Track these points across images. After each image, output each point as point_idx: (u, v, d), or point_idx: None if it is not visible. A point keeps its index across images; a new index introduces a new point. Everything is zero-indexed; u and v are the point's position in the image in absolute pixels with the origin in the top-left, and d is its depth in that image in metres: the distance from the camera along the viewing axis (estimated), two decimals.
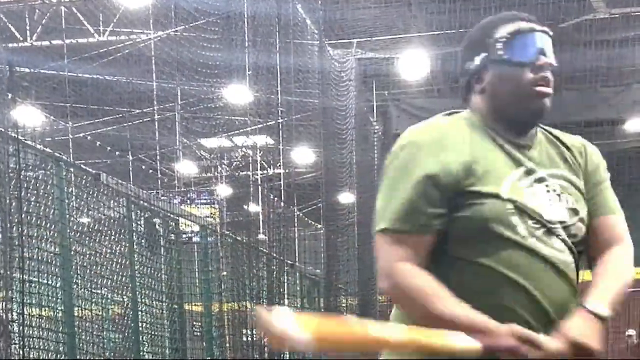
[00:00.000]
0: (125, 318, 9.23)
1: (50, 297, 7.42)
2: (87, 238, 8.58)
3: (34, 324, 7.29)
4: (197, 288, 10.91)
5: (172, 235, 10.48)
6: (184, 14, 15.22)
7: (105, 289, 9.14)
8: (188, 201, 15.76)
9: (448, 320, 2.41)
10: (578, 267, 2.64)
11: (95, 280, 8.66)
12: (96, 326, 8.83)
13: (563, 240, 2.57)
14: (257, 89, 15.61)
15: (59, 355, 7.45)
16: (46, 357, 7.30)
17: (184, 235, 11.46)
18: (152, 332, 9.70)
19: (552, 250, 2.55)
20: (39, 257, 7.29)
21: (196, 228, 11.70)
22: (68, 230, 7.62)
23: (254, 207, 16.47)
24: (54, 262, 7.41)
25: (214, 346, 10.78)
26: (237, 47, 15.01)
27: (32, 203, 7.24)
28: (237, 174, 19.42)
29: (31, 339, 7.12)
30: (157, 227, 10.25)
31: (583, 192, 2.68)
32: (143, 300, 9.50)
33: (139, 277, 9.34)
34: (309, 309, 13.86)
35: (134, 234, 9.36)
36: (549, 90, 2.60)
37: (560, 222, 2.58)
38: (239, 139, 18.78)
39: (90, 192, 8.51)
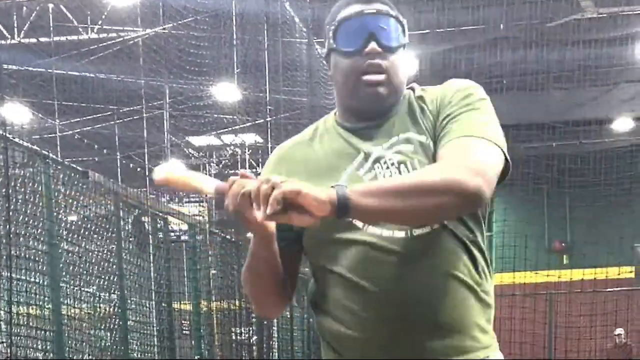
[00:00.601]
0: (114, 316, 9.18)
1: (38, 296, 7.38)
2: (76, 236, 8.53)
3: (21, 323, 7.26)
4: (185, 287, 10.88)
5: (161, 233, 10.44)
6: (172, 11, 15.22)
7: (94, 287, 9.11)
8: (177, 199, 15.74)
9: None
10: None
11: (83, 278, 8.63)
12: (85, 324, 8.80)
13: None
14: (246, 87, 15.61)
15: (47, 354, 7.41)
16: (34, 356, 7.28)
17: (172, 234, 11.43)
18: (141, 331, 9.65)
19: (387, 233, 2.38)
20: (27, 255, 7.25)
21: (185, 227, 11.67)
22: (56, 228, 7.58)
23: None
24: (42, 260, 7.37)
25: (202, 345, 10.74)
26: (226, 45, 15.01)
27: (20, 201, 7.21)
28: (225, 172, 19.37)
29: (19, 338, 7.09)
30: (145, 225, 10.22)
31: (430, 148, 2.45)
32: (132, 298, 9.47)
33: (128, 275, 9.30)
34: (298, 308, 13.84)
35: (123, 232, 9.31)
36: (379, 77, 2.47)
37: None
38: (228, 137, 18.74)
39: (79, 190, 8.47)
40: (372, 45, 2.46)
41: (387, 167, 2.45)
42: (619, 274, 16.67)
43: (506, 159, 2.40)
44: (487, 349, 2.48)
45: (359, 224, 2.40)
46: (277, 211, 2.07)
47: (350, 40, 2.49)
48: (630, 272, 19.03)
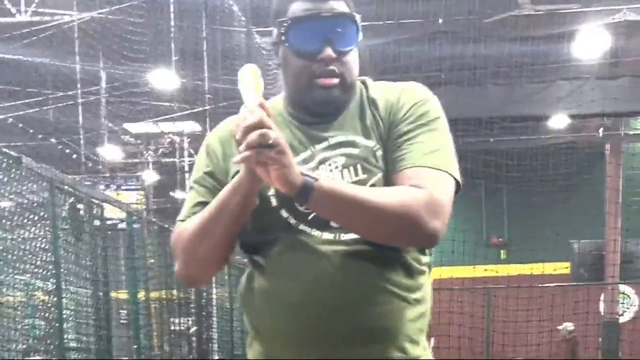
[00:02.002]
0: (49, 305, 8.99)
1: None
2: (9, 223, 8.31)
3: None
4: (123, 275, 10.72)
5: (97, 221, 10.26)
6: None
7: (28, 275, 8.93)
8: (113, 187, 15.51)
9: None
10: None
11: (17, 266, 8.43)
12: (19, 313, 8.62)
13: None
14: (184, 74, 15.44)
15: None
16: None
17: (109, 222, 11.26)
18: (77, 320, 9.48)
19: (316, 233, 2.35)
20: None
21: (122, 214, 11.48)
22: None
23: (181, 194, 16.27)
24: None
25: (140, 334, 10.60)
26: (163, 31, 14.83)
27: None
28: (163, 160, 19.20)
29: None
30: (81, 212, 10.02)
31: (376, 155, 2.41)
32: (67, 287, 9.29)
33: (64, 263, 9.11)
34: (237, 298, 13.77)
35: (58, 219, 9.11)
36: (333, 81, 2.41)
37: None
38: (166, 125, 18.55)
39: (12, 176, 8.26)
40: (328, 51, 2.40)
41: (331, 170, 2.40)
42: (555, 270, 16.92)
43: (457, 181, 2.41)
44: None
45: (292, 221, 2.37)
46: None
47: (304, 42, 2.42)
48: (566, 268, 19.34)
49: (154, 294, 11.41)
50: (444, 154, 2.39)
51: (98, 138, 17.50)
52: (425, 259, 2.46)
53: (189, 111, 15.87)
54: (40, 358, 8.59)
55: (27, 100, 16.72)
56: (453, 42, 17.28)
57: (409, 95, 2.46)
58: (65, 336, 9.02)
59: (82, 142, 16.22)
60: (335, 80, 2.41)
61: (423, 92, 2.49)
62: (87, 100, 16.12)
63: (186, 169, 16.48)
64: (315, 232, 2.35)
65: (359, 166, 2.39)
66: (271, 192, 2.39)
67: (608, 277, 18.76)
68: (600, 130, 20.02)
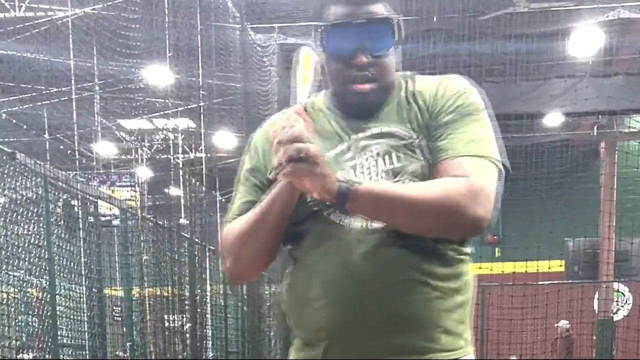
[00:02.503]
0: (43, 301, 8.98)
1: None
2: (2, 219, 8.31)
3: None
4: (117, 272, 10.71)
5: (91, 217, 10.24)
6: None
7: (22, 271, 8.93)
8: (108, 183, 15.48)
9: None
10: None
11: (11, 262, 8.42)
12: (12, 309, 8.62)
13: None
14: (178, 70, 15.41)
15: None
16: None
17: (103, 218, 11.25)
18: (71, 317, 9.48)
19: (346, 221, 2.40)
20: None
21: (116, 211, 11.47)
22: None
23: (175, 191, 16.24)
24: None
25: (134, 331, 10.60)
26: (157, 27, 14.80)
27: None
28: (157, 157, 19.18)
29: None
30: (75, 209, 10.01)
31: (416, 145, 2.46)
32: (61, 283, 9.29)
33: (57, 260, 9.10)
34: (232, 296, 13.76)
35: (52, 215, 9.11)
36: (367, 86, 2.47)
37: None
38: (160, 122, 18.53)
39: (5, 172, 8.25)
40: (361, 57, 2.45)
41: (371, 157, 2.46)
42: (549, 268, 16.87)
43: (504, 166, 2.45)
44: (450, 352, 2.41)
45: (325, 213, 2.42)
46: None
47: (338, 47, 2.47)
48: (561, 266, 19.30)
49: (148, 291, 11.39)
50: (486, 142, 2.43)
51: (92, 134, 17.47)
52: (465, 249, 2.49)
53: (183, 107, 15.84)
54: (33, 355, 8.56)
55: (21, 96, 16.69)
56: (447, 39, 17.26)
57: (450, 86, 2.51)
58: (59, 333, 9.02)
59: (76, 138, 16.17)
60: (369, 86, 2.47)
61: (464, 83, 2.55)
62: (81, 97, 16.08)
63: (180, 165, 16.44)
64: (345, 221, 2.38)
65: (396, 154, 2.43)
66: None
67: (602, 275, 18.76)
68: (595, 128, 20.04)
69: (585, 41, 17.27)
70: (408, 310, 2.34)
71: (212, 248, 12.80)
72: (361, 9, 2.47)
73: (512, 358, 17.30)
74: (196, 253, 11.81)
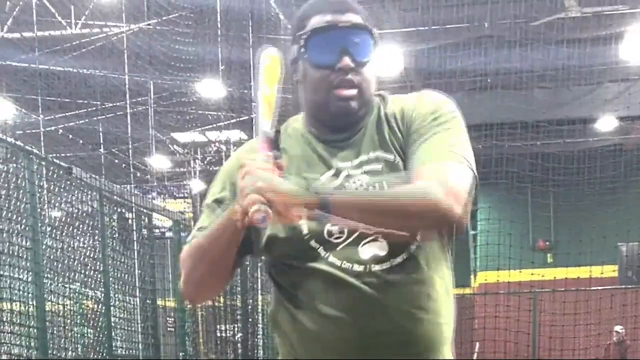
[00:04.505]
0: (98, 313, 9.16)
1: (22, 292, 7.33)
2: (59, 232, 8.49)
3: (5, 319, 7.23)
4: (170, 283, 10.84)
5: (145, 230, 10.40)
6: (156, 7, 15.16)
7: (78, 284, 9.08)
8: (161, 196, 15.67)
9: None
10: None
11: (67, 274, 8.59)
12: (68, 321, 8.77)
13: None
14: (230, 83, 15.57)
15: (30, 351, 7.37)
16: (17, 352, 7.24)
17: (157, 230, 11.39)
18: (125, 328, 9.63)
19: (346, 265, 2.40)
20: (11, 251, 7.21)
21: (169, 223, 11.61)
22: (39, 224, 7.53)
23: None
24: (25, 256, 7.32)
25: (187, 342, 10.72)
26: (210, 41, 14.97)
27: (3, 197, 7.18)
28: (210, 169, 19.34)
29: (2, 334, 7.06)
30: (130, 221, 10.18)
31: (398, 167, 2.46)
32: (116, 295, 9.45)
33: (112, 272, 9.27)
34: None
35: (107, 228, 9.28)
36: (351, 92, 2.45)
37: None
38: (212, 134, 18.72)
39: (62, 186, 8.43)
40: (346, 60, 2.44)
41: (360, 186, 2.44)
42: (602, 273, 16.72)
43: (476, 177, 2.44)
44: None
45: (322, 252, 2.41)
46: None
47: (323, 54, 2.45)
48: (614, 271, 19.14)
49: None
50: (461, 148, 2.42)
51: (146, 148, 17.65)
52: (449, 277, 2.54)
53: (236, 120, 15.99)
54: None
55: (77, 112, 16.96)
56: (499, 46, 17.21)
57: (423, 102, 2.50)
58: (114, 344, 9.16)
59: (130, 152, 16.41)
60: (353, 92, 2.45)
61: (436, 97, 2.52)
62: (136, 111, 16.33)
63: None
64: (346, 265, 2.39)
65: (384, 183, 2.41)
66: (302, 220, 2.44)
67: None
68: None
69: (638, 44, 17.08)
70: (411, 347, 2.41)
71: (263, 258, 12.84)
72: (343, 16, 2.46)
73: None
74: (248, 263, 11.92)
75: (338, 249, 2.41)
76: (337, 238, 2.42)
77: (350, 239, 2.41)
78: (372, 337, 2.38)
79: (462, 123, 2.49)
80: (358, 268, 2.39)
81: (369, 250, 2.41)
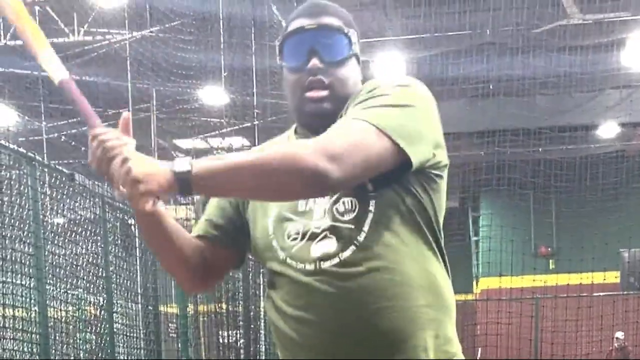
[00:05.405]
0: (101, 319, 9.18)
1: (24, 298, 7.35)
2: (62, 238, 8.51)
3: (7, 325, 7.25)
4: (172, 289, 10.85)
5: None
6: (159, 14, 15.18)
7: (80, 290, 9.11)
8: (171, 203, 15.67)
9: None
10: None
11: (69, 280, 8.62)
12: (71, 327, 8.79)
13: (327, 232, 2.40)
14: (233, 90, 15.58)
15: (33, 357, 7.39)
16: (20, 358, 7.25)
17: None
18: (127, 333, 9.65)
19: (300, 265, 2.41)
20: (13, 258, 7.23)
21: None
22: (42, 231, 7.55)
23: None
24: (28, 262, 7.34)
25: (189, 348, 10.72)
26: (213, 48, 14.99)
27: (6, 203, 7.20)
28: None
29: (4, 340, 7.08)
30: (132, 228, 10.20)
31: None
32: (118, 301, 9.47)
33: (114, 278, 9.30)
34: None
35: (109, 234, 9.30)
36: (322, 93, 2.47)
37: (328, 214, 2.42)
38: (215, 141, 18.74)
39: (65, 193, 8.46)
40: (314, 61, 2.47)
41: (344, 194, 2.43)
42: (604, 279, 16.75)
43: (400, 145, 2.31)
44: None
45: (281, 253, 2.45)
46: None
47: (293, 57, 2.50)
48: (616, 277, 19.17)
49: (202, 308, 11.52)
50: (373, 110, 2.35)
51: (149, 154, 17.63)
52: (431, 256, 2.46)
53: (238, 126, 16.01)
54: None
55: (79, 119, 16.97)
56: (501, 53, 17.26)
57: (367, 85, 2.49)
58: (116, 350, 9.18)
59: None
60: (324, 93, 2.47)
61: (381, 78, 2.52)
62: (138, 118, 16.35)
63: None
64: (299, 265, 2.41)
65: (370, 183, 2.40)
66: (270, 218, 2.50)
67: None
68: None
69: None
70: (371, 340, 2.37)
71: None
72: (314, 19, 2.50)
73: None
74: (250, 270, 11.93)
75: (293, 250, 2.43)
76: (293, 239, 2.44)
77: (304, 240, 2.42)
78: (340, 335, 2.37)
79: (405, 96, 2.41)
80: (309, 267, 2.39)
81: (319, 248, 2.40)
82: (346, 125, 2.32)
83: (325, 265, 2.38)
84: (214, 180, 2.20)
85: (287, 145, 2.35)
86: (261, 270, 13.03)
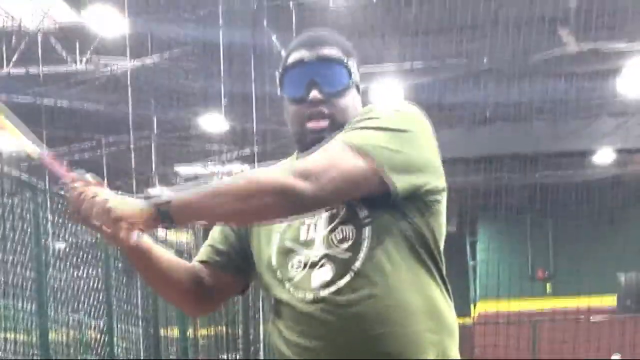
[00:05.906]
0: (101, 342, 9.21)
1: (25, 322, 7.41)
2: (63, 263, 8.57)
3: (8, 349, 7.29)
4: (173, 312, 10.89)
5: None
6: (160, 43, 15.31)
7: (82, 313, 9.13)
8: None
9: None
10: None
11: (71, 304, 8.65)
12: (72, 351, 8.81)
13: (326, 259, 2.42)
14: (233, 117, 15.68)
15: None
16: None
17: None
18: (128, 356, 9.67)
19: (300, 295, 2.43)
20: (15, 282, 7.29)
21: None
22: (44, 256, 7.63)
23: None
24: (29, 287, 7.41)
25: None
26: (213, 76, 15.09)
27: (8, 228, 7.27)
28: None
29: None
30: None
31: None
32: (119, 325, 9.50)
33: (115, 301, 9.34)
34: None
35: (110, 258, 9.36)
36: (322, 124, 2.49)
37: (324, 243, 2.44)
38: (215, 167, 18.82)
39: (67, 218, 8.50)
40: (314, 92, 2.49)
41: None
42: (601, 302, 16.81)
43: (376, 166, 2.33)
44: None
45: (286, 283, 2.46)
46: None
47: (294, 88, 2.54)
48: (613, 300, 19.20)
49: (202, 331, 11.56)
50: (358, 131, 2.38)
51: (149, 180, 17.73)
52: (430, 280, 2.47)
53: (238, 153, 16.07)
54: None
55: (81, 145, 17.07)
56: (498, 80, 17.36)
57: (363, 109, 2.54)
58: None
59: (134, 184, 16.50)
60: (324, 123, 2.49)
61: (373, 105, 2.55)
62: (139, 145, 16.43)
63: None
64: (301, 294, 2.42)
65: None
66: (274, 249, 2.53)
67: None
68: None
69: (635, 79, 17.24)
70: (387, 354, 2.37)
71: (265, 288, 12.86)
72: (314, 50, 2.53)
73: None
74: (249, 293, 12.01)
75: (295, 279, 2.44)
76: (296, 269, 2.45)
77: (306, 269, 2.44)
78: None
79: (399, 120, 2.43)
80: (309, 296, 2.41)
81: (318, 277, 2.41)
82: (326, 146, 2.35)
83: (324, 293, 2.40)
84: (191, 209, 2.24)
85: (263, 169, 2.34)
86: (261, 295, 13.10)
